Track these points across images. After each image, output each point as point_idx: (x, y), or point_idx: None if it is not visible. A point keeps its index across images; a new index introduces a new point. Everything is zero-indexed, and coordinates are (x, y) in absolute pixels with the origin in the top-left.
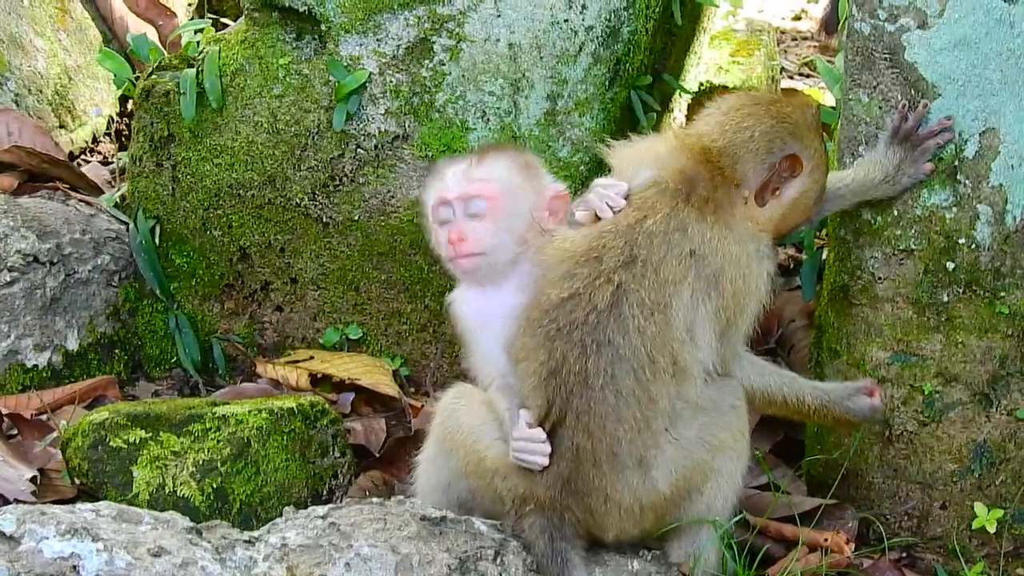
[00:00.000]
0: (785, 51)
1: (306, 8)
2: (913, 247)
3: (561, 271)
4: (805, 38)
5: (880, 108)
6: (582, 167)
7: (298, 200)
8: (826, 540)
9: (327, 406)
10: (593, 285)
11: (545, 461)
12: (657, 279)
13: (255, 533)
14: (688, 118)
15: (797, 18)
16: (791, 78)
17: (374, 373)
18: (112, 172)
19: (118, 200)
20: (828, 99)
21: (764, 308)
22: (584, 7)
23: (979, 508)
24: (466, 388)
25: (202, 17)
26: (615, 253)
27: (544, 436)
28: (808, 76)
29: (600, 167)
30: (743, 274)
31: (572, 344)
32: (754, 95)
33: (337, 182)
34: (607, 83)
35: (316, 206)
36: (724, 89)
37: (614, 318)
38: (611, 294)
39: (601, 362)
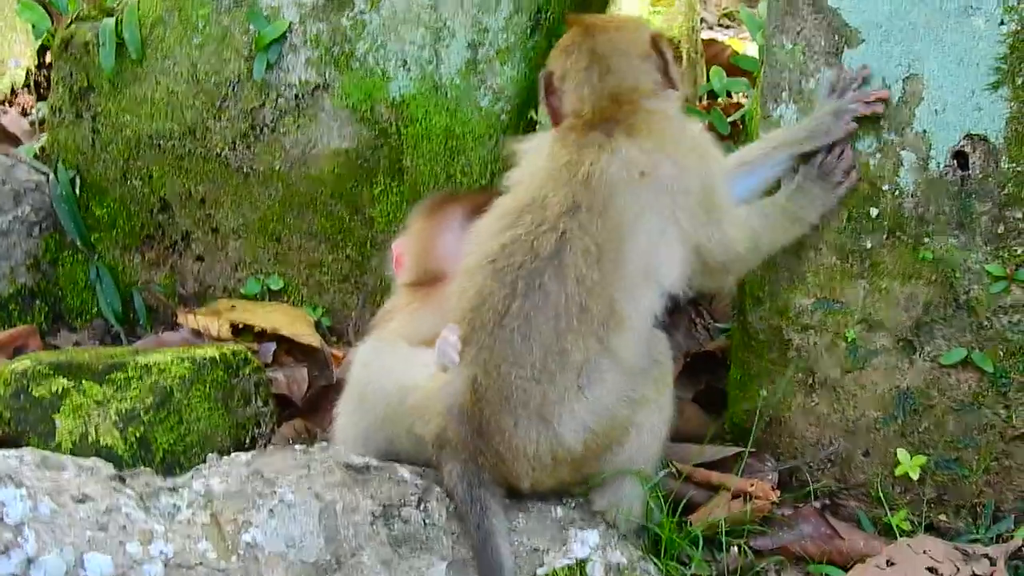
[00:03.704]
0: (704, 1)
1: None
2: None
3: (503, 223)
4: None
5: (803, 55)
6: (503, 116)
7: (218, 150)
8: (752, 486)
9: (249, 355)
10: (537, 231)
11: (456, 358)
12: (605, 224)
13: (179, 480)
14: None
15: None
16: (711, 28)
17: (296, 323)
18: (31, 123)
19: (38, 151)
20: (750, 49)
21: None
22: None
23: (902, 455)
24: (383, 339)
25: None
26: (558, 200)
27: (459, 333)
28: (727, 27)
29: (521, 116)
30: (694, 148)
31: (502, 284)
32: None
33: (258, 132)
34: (528, 32)
35: (236, 156)
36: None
37: (553, 266)
38: (555, 241)
39: (525, 305)
